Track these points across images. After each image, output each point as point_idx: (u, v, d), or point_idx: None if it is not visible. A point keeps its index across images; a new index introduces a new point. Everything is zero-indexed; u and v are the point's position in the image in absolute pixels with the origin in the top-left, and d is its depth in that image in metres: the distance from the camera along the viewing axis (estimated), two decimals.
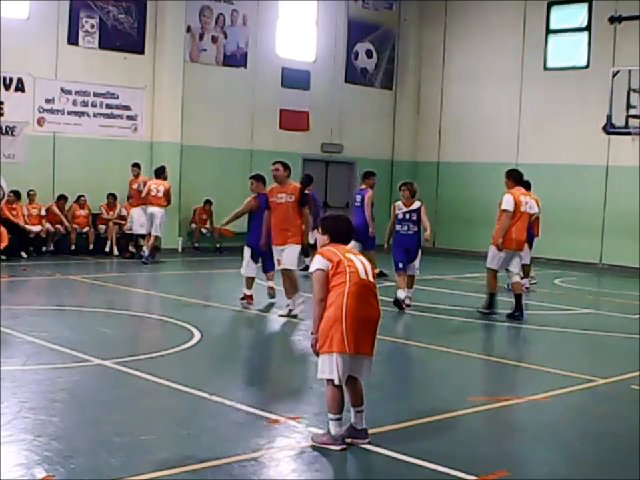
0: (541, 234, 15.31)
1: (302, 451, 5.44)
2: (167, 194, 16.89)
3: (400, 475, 5.18)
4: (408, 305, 11.69)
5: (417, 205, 11.84)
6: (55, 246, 17.29)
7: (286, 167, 10.81)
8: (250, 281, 11.63)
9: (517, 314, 11.19)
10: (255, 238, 11.31)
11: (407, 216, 11.75)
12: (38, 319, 10.17)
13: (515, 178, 11.59)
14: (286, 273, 10.64)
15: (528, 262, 14.35)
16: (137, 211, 17.35)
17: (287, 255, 10.56)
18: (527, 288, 13.99)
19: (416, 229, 11.79)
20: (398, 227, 11.80)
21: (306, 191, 16.21)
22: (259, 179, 11.85)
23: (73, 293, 12.96)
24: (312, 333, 5.53)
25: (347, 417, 5.58)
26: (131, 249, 17.64)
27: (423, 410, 6.59)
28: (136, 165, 17.58)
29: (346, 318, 5.38)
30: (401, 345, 9.31)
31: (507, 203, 11.18)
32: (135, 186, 17.40)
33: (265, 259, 11.61)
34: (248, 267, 11.56)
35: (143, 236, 17.27)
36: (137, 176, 17.48)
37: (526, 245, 14.09)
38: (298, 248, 10.66)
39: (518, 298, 11.30)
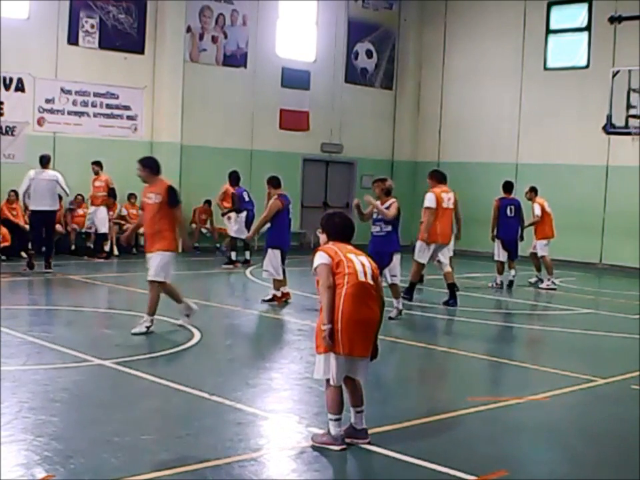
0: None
1: (302, 451, 5.44)
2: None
3: (400, 475, 5.18)
4: (392, 318, 10.61)
5: (390, 203, 10.79)
6: (55, 246, 17.24)
7: (145, 164, 9.50)
8: (279, 283, 11.65)
9: (451, 301, 12.03)
10: (283, 239, 11.52)
11: (380, 215, 10.70)
12: (38, 319, 10.17)
13: (437, 177, 12.34)
14: (153, 286, 9.24)
15: (504, 259, 14.75)
16: (101, 210, 17.00)
17: (152, 264, 9.17)
18: (496, 284, 14.74)
19: (389, 229, 10.69)
20: (372, 228, 10.83)
21: (233, 190, 16.54)
22: (270, 182, 12.00)
23: (72, 292, 12.97)
24: (324, 324, 5.37)
25: (346, 417, 5.58)
26: (106, 248, 17.25)
27: (423, 410, 6.60)
28: (96, 163, 16.87)
29: (341, 320, 5.36)
30: (401, 344, 9.31)
31: (429, 200, 11.93)
32: (97, 184, 16.80)
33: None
34: (279, 269, 11.58)
35: (105, 235, 17.12)
36: (97, 174, 16.81)
37: (498, 242, 14.65)
38: (165, 256, 9.15)
39: (451, 286, 12.05)
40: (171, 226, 9.18)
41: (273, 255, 11.53)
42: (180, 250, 9.74)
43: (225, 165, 18.62)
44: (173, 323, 9.83)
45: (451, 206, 12.15)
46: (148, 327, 9.15)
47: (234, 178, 16.77)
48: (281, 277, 11.63)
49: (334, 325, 5.37)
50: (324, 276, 5.44)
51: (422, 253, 12.02)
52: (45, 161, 14.51)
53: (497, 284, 14.73)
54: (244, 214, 16.47)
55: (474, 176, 21.68)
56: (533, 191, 15.51)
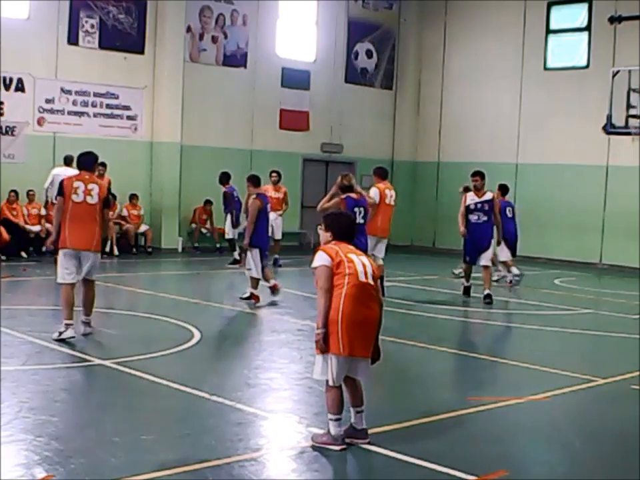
0: (541, 234, 15.54)
1: (302, 451, 5.45)
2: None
3: (400, 475, 5.19)
4: None
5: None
6: (54, 246, 17.21)
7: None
8: (257, 282, 11.70)
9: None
10: (263, 238, 11.53)
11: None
12: (38, 319, 10.17)
13: (380, 174, 12.77)
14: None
15: (509, 257, 14.84)
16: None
17: None
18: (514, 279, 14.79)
19: (362, 221, 10.91)
20: None
21: (224, 188, 16.55)
22: (250, 180, 12.05)
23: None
24: (318, 328, 5.41)
25: (347, 417, 5.58)
26: (106, 249, 17.13)
27: (423, 410, 6.59)
28: (101, 164, 15.91)
29: (342, 320, 5.36)
30: (401, 345, 9.30)
31: (374, 194, 12.28)
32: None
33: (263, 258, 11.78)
34: (259, 267, 11.63)
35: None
36: (102, 175, 16.13)
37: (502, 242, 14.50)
38: (60, 254, 8.98)
39: (381, 280, 12.16)
40: (63, 222, 8.84)
41: (253, 254, 11.60)
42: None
43: (225, 165, 18.63)
44: (173, 322, 9.83)
45: (392, 202, 12.63)
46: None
47: (223, 177, 16.84)
48: (260, 276, 11.71)
49: (334, 325, 5.37)
50: (323, 279, 5.44)
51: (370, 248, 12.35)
52: (68, 161, 15.19)
53: (514, 279, 14.75)
54: (233, 213, 16.59)
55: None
56: (467, 189, 15.92)
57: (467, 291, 13.15)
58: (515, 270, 14.83)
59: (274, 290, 11.93)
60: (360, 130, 22.61)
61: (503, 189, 15.34)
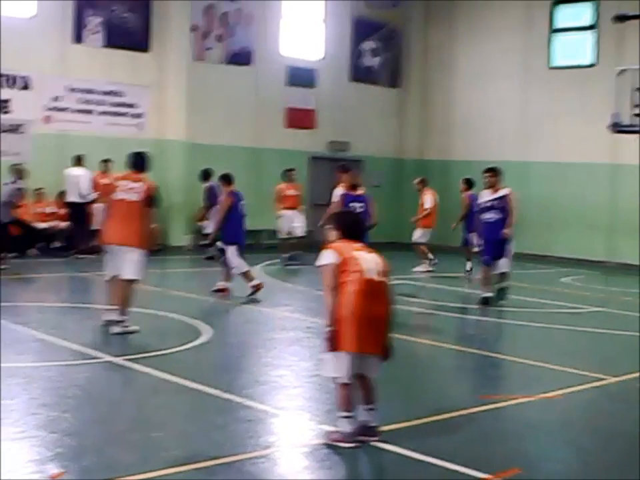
0: (548, 232, 15.53)
1: (313, 449, 5.44)
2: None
3: (412, 473, 5.18)
4: None
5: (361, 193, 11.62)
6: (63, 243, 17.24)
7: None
8: (249, 273, 11.89)
9: None
10: (238, 234, 11.81)
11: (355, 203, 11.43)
12: (48, 316, 10.18)
13: (344, 171, 12.71)
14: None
15: None
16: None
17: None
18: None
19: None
20: None
21: (204, 185, 16.88)
22: (221, 179, 12.36)
23: (82, 289, 12.98)
24: (326, 326, 5.42)
25: (358, 414, 5.57)
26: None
27: (435, 408, 6.57)
28: (107, 160, 16.57)
29: (352, 317, 5.36)
30: (412, 342, 9.30)
31: (335, 196, 12.21)
32: (104, 181, 15.65)
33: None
34: (243, 261, 11.84)
35: None
36: (105, 172, 16.24)
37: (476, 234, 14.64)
38: None
39: None
40: (106, 219, 9.25)
41: (232, 251, 11.75)
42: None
43: (230, 163, 18.60)
44: (183, 320, 9.84)
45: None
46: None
47: (204, 174, 17.03)
48: (248, 269, 11.88)
49: (343, 322, 5.37)
50: (328, 277, 5.45)
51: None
52: (75, 160, 16.32)
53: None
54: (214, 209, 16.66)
55: (480, 174, 21.62)
56: (422, 182, 16.74)
57: (485, 302, 11.82)
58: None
59: (257, 290, 11.81)
60: (366, 128, 22.59)
61: (468, 183, 15.44)
